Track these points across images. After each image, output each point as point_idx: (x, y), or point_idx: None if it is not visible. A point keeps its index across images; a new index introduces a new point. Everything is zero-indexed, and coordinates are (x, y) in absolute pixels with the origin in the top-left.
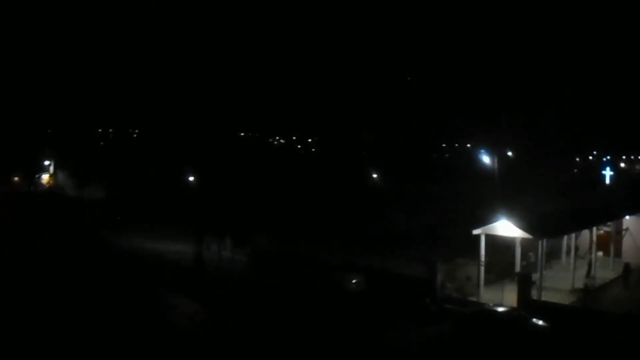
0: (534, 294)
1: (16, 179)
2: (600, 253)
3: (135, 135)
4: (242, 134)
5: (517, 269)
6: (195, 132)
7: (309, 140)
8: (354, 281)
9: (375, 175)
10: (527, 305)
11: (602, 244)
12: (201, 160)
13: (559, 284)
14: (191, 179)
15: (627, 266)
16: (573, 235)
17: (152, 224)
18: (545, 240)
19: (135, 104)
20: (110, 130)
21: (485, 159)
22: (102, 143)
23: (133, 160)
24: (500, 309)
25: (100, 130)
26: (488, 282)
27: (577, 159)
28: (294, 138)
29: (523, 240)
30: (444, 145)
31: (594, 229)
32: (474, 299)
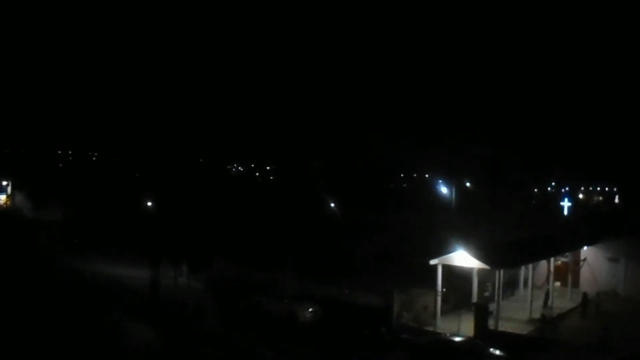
0: (491, 324)
1: None
2: (557, 283)
3: (94, 159)
4: (201, 160)
5: (474, 299)
6: (155, 157)
7: (267, 168)
8: (310, 310)
9: (332, 204)
10: (484, 334)
11: (560, 274)
12: (160, 185)
13: (516, 314)
14: (149, 203)
15: (585, 296)
16: (530, 265)
17: (109, 248)
18: (502, 271)
19: (95, 127)
20: (70, 152)
21: (443, 189)
22: (60, 165)
23: (92, 184)
24: (457, 339)
25: (59, 152)
26: (445, 312)
27: (536, 190)
28: (252, 166)
29: (480, 270)
30: (402, 175)
31: (552, 259)
32: (430, 328)
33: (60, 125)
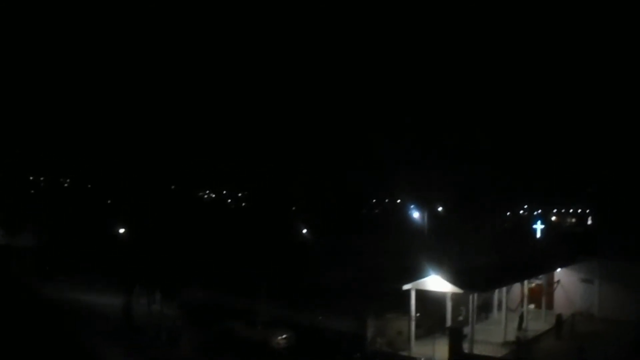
0: (466, 348)
1: None
2: (532, 306)
3: (66, 185)
4: (173, 186)
5: (449, 322)
6: (127, 183)
7: (239, 194)
8: (283, 336)
9: (305, 230)
10: (459, 358)
11: (534, 296)
12: (132, 211)
13: (491, 337)
14: (121, 230)
15: (559, 317)
16: (504, 288)
17: (82, 274)
18: (476, 294)
19: (67, 154)
20: (42, 178)
21: (415, 214)
22: (32, 191)
23: (64, 210)
24: None
25: (31, 177)
26: (419, 337)
27: (508, 214)
28: (224, 192)
29: (454, 294)
30: (374, 200)
31: (526, 282)
32: (405, 353)
33: (32, 151)
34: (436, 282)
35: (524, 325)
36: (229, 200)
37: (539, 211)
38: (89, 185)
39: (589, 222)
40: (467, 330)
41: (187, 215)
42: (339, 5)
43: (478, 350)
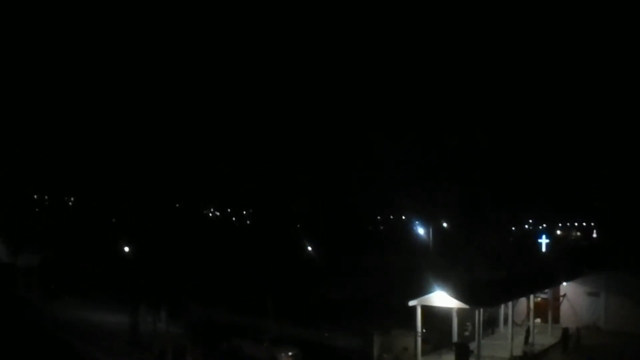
0: None
1: None
2: (538, 320)
3: (71, 203)
4: (178, 204)
5: (455, 338)
6: (131, 201)
7: (244, 212)
8: (290, 354)
9: (310, 248)
10: None
11: (540, 310)
12: (137, 230)
13: (498, 352)
14: (126, 248)
15: (565, 331)
16: (510, 303)
17: (87, 293)
18: (482, 310)
19: (72, 172)
20: (46, 197)
21: (420, 230)
22: (37, 210)
23: (69, 228)
24: None
25: (35, 196)
26: (425, 353)
27: (513, 228)
28: (228, 210)
29: (460, 310)
30: (378, 217)
31: (532, 296)
32: None
33: (36, 169)
34: (442, 298)
35: (530, 339)
36: (234, 218)
37: (544, 225)
38: (94, 204)
39: (594, 235)
40: (473, 345)
41: (192, 233)
42: (339, 7)
43: None
